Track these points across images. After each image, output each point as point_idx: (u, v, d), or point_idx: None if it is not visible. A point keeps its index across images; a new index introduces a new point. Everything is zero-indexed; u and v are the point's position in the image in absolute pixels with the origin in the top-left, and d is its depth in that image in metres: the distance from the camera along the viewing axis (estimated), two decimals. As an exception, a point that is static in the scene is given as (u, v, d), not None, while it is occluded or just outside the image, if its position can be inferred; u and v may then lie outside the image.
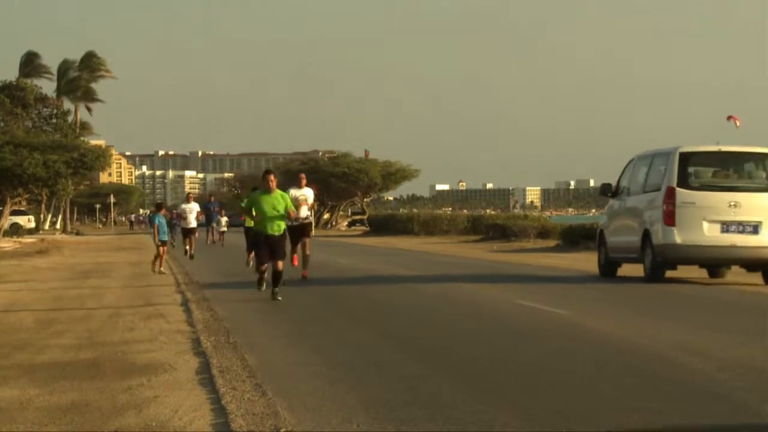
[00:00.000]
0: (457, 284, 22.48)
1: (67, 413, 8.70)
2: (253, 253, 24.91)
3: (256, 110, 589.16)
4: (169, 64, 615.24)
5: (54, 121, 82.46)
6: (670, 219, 21.43)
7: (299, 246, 23.71)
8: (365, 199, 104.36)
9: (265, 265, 18.51)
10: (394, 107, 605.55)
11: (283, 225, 18.59)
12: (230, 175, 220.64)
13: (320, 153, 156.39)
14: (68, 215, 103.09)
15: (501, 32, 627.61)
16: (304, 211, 23.73)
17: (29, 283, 25.63)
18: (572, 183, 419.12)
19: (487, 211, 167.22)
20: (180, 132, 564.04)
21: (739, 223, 21.28)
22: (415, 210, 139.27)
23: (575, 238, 43.03)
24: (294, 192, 23.13)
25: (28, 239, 64.32)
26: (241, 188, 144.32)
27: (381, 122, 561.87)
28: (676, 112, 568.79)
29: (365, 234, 75.69)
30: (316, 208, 27.87)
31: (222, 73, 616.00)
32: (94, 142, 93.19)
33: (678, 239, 21.20)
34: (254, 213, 18.67)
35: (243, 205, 19.74)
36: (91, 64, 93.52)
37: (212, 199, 54.29)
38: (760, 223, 21.29)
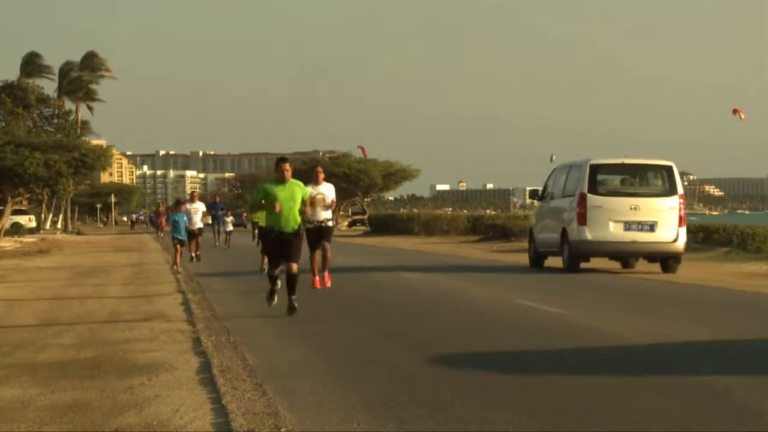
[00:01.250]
0: (458, 284, 22.48)
1: (67, 412, 8.69)
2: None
3: (257, 110, 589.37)
4: (170, 64, 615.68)
5: (55, 121, 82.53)
6: (582, 219, 25.84)
7: (318, 252, 20.93)
8: (366, 199, 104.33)
9: (278, 269, 15.99)
10: (394, 107, 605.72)
11: (299, 220, 16.08)
12: (231, 175, 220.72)
13: (320, 153, 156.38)
14: (69, 215, 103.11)
15: (500, 32, 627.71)
16: (323, 213, 20.77)
17: (30, 283, 25.62)
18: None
19: (487, 211, 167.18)
20: (181, 132, 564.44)
21: (639, 223, 25.71)
22: (415, 210, 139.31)
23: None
24: (310, 189, 19.09)
25: (29, 239, 64.33)
26: (242, 188, 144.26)
27: (381, 122, 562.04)
28: (675, 111, 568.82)
29: (366, 234, 75.67)
30: (335, 208, 23.44)
31: (223, 73, 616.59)
32: (95, 141, 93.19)
33: (589, 236, 25.68)
34: (266, 206, 16.05)
35: (253, 198, 16.79)
36: (92, 64, 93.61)
37: (217, 199, 52.34)
38: (656, 222, 25.69)
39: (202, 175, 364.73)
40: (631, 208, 25.68)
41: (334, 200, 21.52)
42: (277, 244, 15.85)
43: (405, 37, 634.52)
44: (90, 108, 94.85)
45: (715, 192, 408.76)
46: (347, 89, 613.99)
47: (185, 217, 29.08)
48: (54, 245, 54.14)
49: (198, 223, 32.01)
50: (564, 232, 26.40)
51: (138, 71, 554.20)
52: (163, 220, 67.90)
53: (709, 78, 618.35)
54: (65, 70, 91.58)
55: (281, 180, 16.00)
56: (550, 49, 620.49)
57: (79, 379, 10.36)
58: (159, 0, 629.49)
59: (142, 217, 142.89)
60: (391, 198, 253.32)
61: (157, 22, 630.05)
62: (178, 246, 28.13)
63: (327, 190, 21.06)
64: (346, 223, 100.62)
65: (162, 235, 65.73)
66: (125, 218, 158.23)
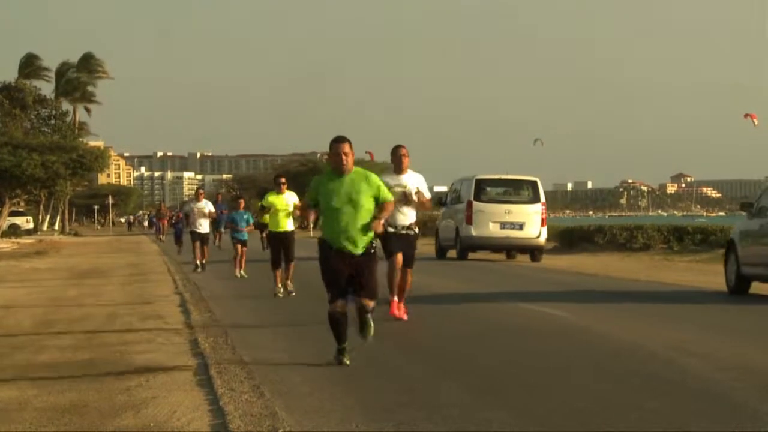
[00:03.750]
0: (453, 286, 22.45)
1: (65, 414, 8.69)
2: (279, 272, 19.95)
3: (255, 111, 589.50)
4: (168, 65, 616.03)
5: (52, 122, 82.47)
6: (469, 220, 33.58)
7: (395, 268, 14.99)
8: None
9: (342, 302, 10.75)
10: (392, 108, 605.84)
11: (370, 234, 10.73)
12: (228, 176, 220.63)
13: (318, 155, 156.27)
14: (66, 216, 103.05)
15: (498, 34, 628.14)
16: (408, 216, 14.80)
17: (27, 284, 25.60)
18: (569, 185, 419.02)
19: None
20: (178, 133, 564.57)
21: (511, 223, 33.82)
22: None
23: (573, 240, 43.08)
24: (389, 181, 13.61)
25: (27, 240, 64.28)
26: (240, 190, 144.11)
27: (380, 123, 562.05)
28: (673, 112, 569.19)
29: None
30: (431, 207, 17.32)
31: (221, 74, 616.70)
32: (92, 143, 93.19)
33: (474, 233, 33.71)
34: (320, 211, 10.87)
35: (305, 198, 11.59)
36: (89, 65, 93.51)
37: (219, 198, 50.17)
38: (524, 223, 33.79)
39: (199, 177, 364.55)
40: (505, 212, 33.77)
41: (426, 199, 15.24)
42: (340, 269, 10.70)
43: (404, 37, 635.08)
44: (87, 110, 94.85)
45: (713, 194, 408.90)
46: (346, 90, 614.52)
47: (246, 215, 26.64)
48: (51, 246, 54.11)
49: (204, 227, 29.13)
50: (457, 230, 34.52)
51: (137, 72, 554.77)
52: (165, 221, 66.97)
53: (707, 79, 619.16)
54: (62, 70, 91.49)
55: (338, 171, 10.71)
56: (548, 50, 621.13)
57: (77, 380, 10.36)
58: (158, 1, 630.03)
59: (140, 218, 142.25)
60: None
61: (156, 22, 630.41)
62: (239, 247, 25.98)
63: (415, 182, 14.84)
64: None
65: (164, 238, 63.34)
66: (122, 219, 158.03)
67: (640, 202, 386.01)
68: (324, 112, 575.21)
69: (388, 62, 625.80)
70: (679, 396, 8.91)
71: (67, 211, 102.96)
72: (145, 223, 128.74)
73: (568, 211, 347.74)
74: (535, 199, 34.36)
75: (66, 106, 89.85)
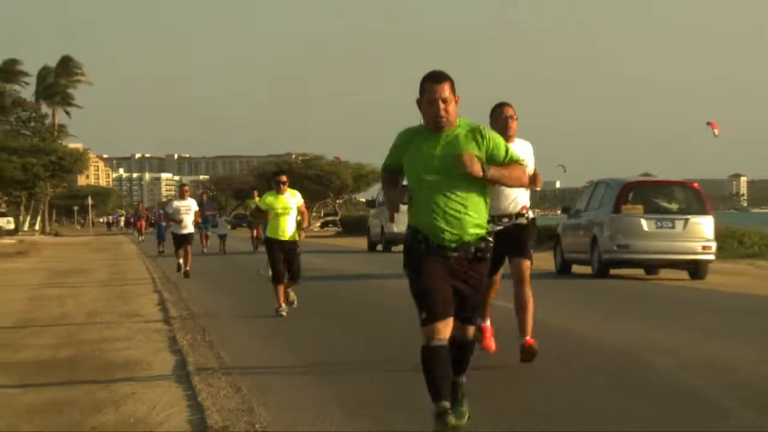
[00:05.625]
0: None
1: (46, 411, 8.63)
2: (281, 291, 16.13)
3: (231, 114, 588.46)
4: (146, 68, 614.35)
5: (32, 124, 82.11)
6: (392, 219, 38.69)
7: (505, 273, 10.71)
8: (337, 201, 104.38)
9: (445, 327, 6.83)
10: (365, 109, 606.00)
11: (483, 220, 6.95)
12: (206, 177, 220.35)
13: (293, 156, 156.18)
14: (47, 217, 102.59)
15: (470, 29, 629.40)
16: (518, 199, 10.36)
17: (8, 284, 25.44)
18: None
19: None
20: (156, 135, 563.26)
21: None
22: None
23: (540, 238, 43.40)
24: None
25: (8, 240, 63.96)
26: (217, 190, 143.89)
27: (354, 125, 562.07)
28: (640, 110, 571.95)
29: (337, 234, 75.67)
30: (537, 186, 9.82)
31: (198, 76, 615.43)
32: (71, 145, 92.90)
33: (395, 230, 36.94)
34: (407, 187, 7.22)
35: (385, 163, 7.36)
36: (67, 68, 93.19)
37: (205, 197, 46.80)
38: None
39: (177, 178, 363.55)
40: None
41: (537, 174, 9.97)
42: (439, 275, 6.98)
43: (378, 40, 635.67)
44: (68, 113, 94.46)
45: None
46: (320, 91, 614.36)
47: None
48: (32, 246, 53.84)
49: (189, 227, 25.71)
50: (382, 228, 39.86)
51: (115, 74, 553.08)
52: (144, 222, 66.36)
53: (676, 79, 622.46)
54: (43, 74, 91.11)
55: (434, 124, 6.87)
56: (523, 48, 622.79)
57: (57, 378, 10.30)
58: (137, 3, 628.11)
59: (118, 218, 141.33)
60: (363, 199, 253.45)
61: (136, 25, 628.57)
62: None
63: (527, 154, 10.33)
64: (318, 224, 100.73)
65: (142, 239, 62.17)
66: (101, 220, 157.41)
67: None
68: (298, 114, 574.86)
69: (361, 65, 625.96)
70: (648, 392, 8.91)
71: (47, 212, 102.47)
72: (122, 224, 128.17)
73: (537, 210, 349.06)
74: None
75: (45, 109, 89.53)
